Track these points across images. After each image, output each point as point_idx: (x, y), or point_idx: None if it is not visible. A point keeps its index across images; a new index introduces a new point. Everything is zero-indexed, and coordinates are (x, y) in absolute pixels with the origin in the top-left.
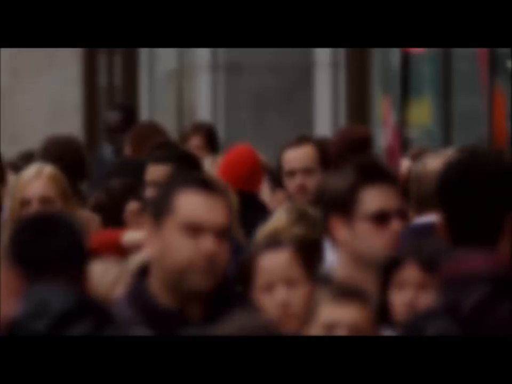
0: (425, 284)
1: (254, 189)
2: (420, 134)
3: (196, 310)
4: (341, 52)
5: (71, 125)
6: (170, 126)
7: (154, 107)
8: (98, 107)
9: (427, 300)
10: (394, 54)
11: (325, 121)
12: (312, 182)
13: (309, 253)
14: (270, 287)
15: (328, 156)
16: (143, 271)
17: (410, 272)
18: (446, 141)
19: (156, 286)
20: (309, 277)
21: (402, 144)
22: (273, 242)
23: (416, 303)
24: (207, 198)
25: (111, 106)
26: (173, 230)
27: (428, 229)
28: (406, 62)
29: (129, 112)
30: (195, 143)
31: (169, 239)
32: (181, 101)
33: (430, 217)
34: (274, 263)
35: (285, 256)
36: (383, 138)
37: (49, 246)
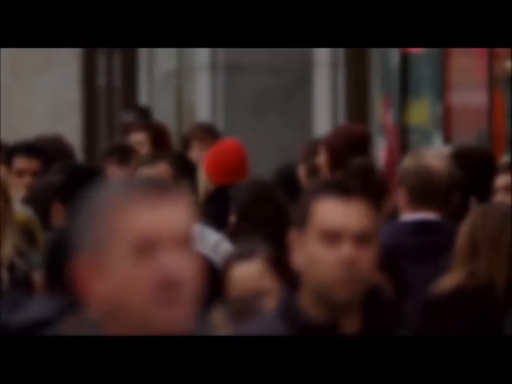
0: None
1: (237, 182)
2: (419, 133)
3: (350, 322)
4: (340, 52)
5: (71, 125)
6: (169, 126)
7: (154, 107)
8: (98, 107)
9: None
10: (394, 54)
11: (324, 121)
12: None
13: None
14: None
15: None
16: (294, 284)
17: None
18: (446, 140)
19: (306, 299)
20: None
21: (402, 144)
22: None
23: None
24: (343, 204)
25: (124, 108)
26: (313, 240)
27: (421, 226)
28: (405, 62)
29: (144, 112)
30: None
31: (310, 250)
32: (181, 101)
33: (423, 215)
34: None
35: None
36: (382, 138)
37: None
